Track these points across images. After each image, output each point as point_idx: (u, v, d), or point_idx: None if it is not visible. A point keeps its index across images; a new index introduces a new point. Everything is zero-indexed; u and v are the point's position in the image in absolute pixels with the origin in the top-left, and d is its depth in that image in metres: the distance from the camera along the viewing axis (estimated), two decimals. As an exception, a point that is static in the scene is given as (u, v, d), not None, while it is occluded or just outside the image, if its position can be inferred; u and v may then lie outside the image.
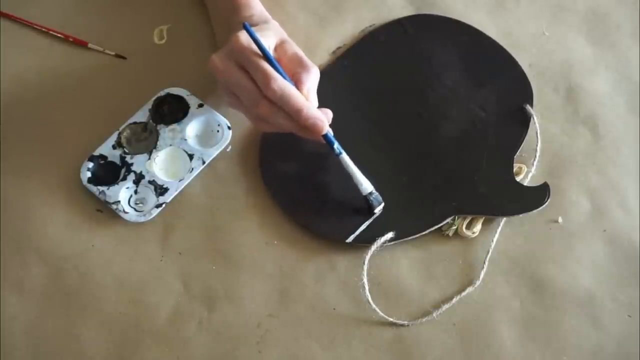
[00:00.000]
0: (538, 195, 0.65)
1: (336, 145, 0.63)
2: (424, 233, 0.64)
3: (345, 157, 0.63)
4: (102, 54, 0.73)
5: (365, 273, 0.62)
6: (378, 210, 0.64)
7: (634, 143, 0.69)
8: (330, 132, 0.62)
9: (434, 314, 0.62)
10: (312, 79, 0.62)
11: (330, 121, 0.63)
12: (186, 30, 0.75)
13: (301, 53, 0.64)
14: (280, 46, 0.64)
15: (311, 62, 0.63)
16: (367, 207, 0.64)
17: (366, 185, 0.63)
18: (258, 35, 0.61)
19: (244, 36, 0.61)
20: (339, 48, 0.74)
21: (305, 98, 0.60)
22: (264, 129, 0.65)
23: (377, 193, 0.64)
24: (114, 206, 0.65)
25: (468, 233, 0.65)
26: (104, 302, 0.63)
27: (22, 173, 0.68)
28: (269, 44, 0.62)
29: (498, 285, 0.63)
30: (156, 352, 0.61)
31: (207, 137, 0.70)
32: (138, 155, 0.68)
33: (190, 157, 0.68)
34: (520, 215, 0.65)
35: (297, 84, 0.61)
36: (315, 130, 0.60)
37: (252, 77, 0.60)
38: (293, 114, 0.60)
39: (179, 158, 0.68)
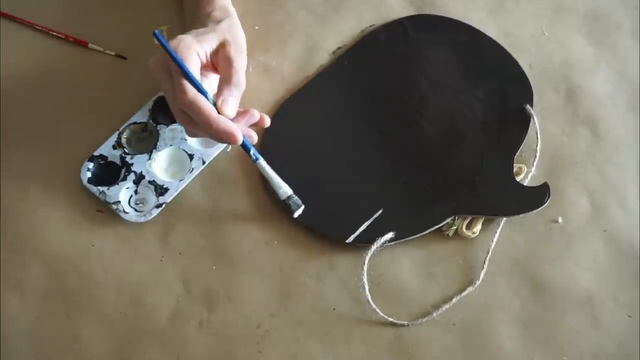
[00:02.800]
0: (538, 195, 0.65)
1: (252, 151, 0.62)
2: (424, 233, 0.64)
3: (262, 163, 0.63)
4: (102, 54, 0.73)
5: (365, 273, 0.62)
6: (297, 213, 0.64)
7: (633, 143, 0.69)
8: (247, 140, 0.62)
9: (434, 314, 0.62)
10: (231, 89, 0.61)
11: (256, 120, 0.62)
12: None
13: (235, 60, 0.62)
14: (221, 49, 0.63)
15: (238, 69, 0.62)
16: (288, 210, 0.64)
17: (285, 190, 0.63)
18: (168, 44, 0.59)
19: (174, 43, 0.60)
20: (339, 48, 0.74)
21: (219, 109, 0.60)
22: (190, 136, 0.65)
23: (296, 197, 0.64)
24: (114, 206, 0.65)
25: (468, 233, 0.65)
26: (104, 302, 0.63)
27: (23, 173, 0.68)
28: (205, 48, 0.62)
29: (498, 285, 0.63)
30: (156, 352, 0.61)
31: (207, 137, 0.70)
32: (138, 155, 0.68)
33: (190, 157, 0.68)
34: (520, 215, 0.65)
35: (217, 93, 0.61)
36: (229, 142, 0.60)
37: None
38: (203, 127, 0.59)
39: (179, 158, 0.68)
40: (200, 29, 0.64)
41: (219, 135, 0.59)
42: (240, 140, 0.60)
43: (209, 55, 0.62)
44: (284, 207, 0.64)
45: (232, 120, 0.61)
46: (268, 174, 0.63)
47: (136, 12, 0.76)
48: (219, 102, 0.60)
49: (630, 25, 0.76)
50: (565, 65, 0.73)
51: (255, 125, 0.64)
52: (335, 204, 0.66)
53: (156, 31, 0.60)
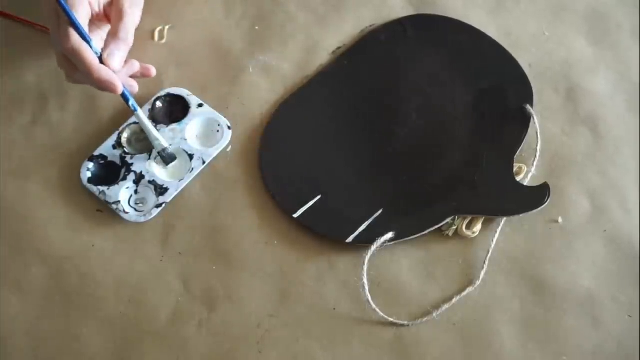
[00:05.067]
0: (538, 195, 0.65)
1: (131, 102, 0.65)
2: (424, 233, 0.64)
3: (141, 114, 0.66)
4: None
5: (365, 273, 0.62)
6: (171, 166, 0.67)
7: (634, 143, 0.69)
8: (127, 90, 0.64)
9: (434, 314, 0.62)
10: (117, 43, 0.63)
11: (136, 70, 0.66)
12: (186, 30, 0.75)
13: (126, 14, 0.64)
14: (115, 3, 0.65)
15: (127, 23, 0.64)
16: (162, 162, 0.67)
17: (161, 142, 0.66)
18: None
19: None
20: (339, 48, 0.74)
21: (105, 62, 0.62)
22: (69, 81, 0.66)
23: (171, 151, 0.67)
24: (114, 206, 0.65)
25: (468, 233, 0.65)
26: (104, 302, 0.63)
27: (22, 173, 0.68)
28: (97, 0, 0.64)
29: (498, 285, 0.63)
30: (156, 352, 0.61)
31: (207, 137, 0.70)
32: (138, 155, 0.68)
33: (190, 157, 0.68)
34: (520, 215, 0.65)
35: (105, 45, 0.63)
36: (110, 91, 0.63)
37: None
38: (85, 74, 0.61)
39: (179, 158, 0.68)
40: None
41: (100, 85, 0.62)
42: (120, 90, 0.63)
43: (102, 5, 0.64)
44: (160, 158, 0.67)
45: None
46: (145, 125, 0.66)
47: (136, 12, 0.76)
48: (105, 55, 0.62)
49: (630, 25, 0.76)
50: (566, 65, 0.73)
51: (144, 76, 0.67)
52: (335, 204, 0.66)
53: None
